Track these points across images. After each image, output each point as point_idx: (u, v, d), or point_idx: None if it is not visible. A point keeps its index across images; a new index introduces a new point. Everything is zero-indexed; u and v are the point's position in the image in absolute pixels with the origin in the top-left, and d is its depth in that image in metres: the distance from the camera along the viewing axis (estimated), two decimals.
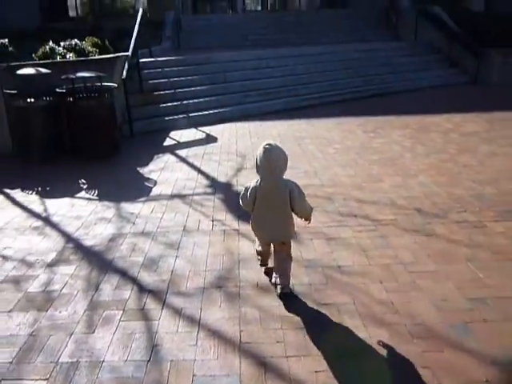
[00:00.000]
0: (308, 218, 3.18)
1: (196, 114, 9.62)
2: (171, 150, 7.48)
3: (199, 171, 6.22)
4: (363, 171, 5.99)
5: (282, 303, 3.13)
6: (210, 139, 8.18)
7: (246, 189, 3.12)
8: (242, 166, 6.37)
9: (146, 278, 3.51)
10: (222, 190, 5.45)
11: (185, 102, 9.88)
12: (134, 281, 3.47)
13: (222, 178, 5.88)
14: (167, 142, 8.10)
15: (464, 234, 4.12)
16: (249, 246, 3.95)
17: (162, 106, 9.57)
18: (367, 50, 13.89)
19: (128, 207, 4.97)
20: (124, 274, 3.58)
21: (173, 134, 8.72)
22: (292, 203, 3.02)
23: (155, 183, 5.77)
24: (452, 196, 5.04)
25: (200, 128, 9.11)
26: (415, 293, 3.23)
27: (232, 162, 6.58)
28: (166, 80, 10.26)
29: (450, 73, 14.50)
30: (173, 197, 5.24)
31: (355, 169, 6.11)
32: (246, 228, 4.24)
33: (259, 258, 3.52)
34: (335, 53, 13.28)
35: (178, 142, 8.13)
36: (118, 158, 7.06)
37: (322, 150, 7.02)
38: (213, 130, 8.94)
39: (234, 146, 7.55)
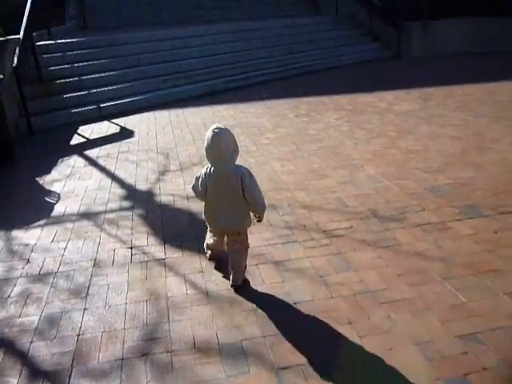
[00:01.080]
0: (260, 214, 2.98)
1: (108, 103, 8.45)
2: (79, 150, 6.36)
3: (113, 177, 5.22)
4: (304, 165, 5.30)
5: (228, 373, 2.35)
6: (125, 134, 7.11)
7: (197, 178, 2.96)
8: (165, 168, 5.44)
9: (42, 350, 2.57)
10: (141, 201, 4.53)
11: (94, 90, 8.66)
12: (23, 358, 2.52)
13: (141, 185, 4.93)
14: (74, 140, 6.93)
15: (430, 240, 3.55)
16: (179, 283, 3.11)
17: (66, 96, 8.29)
18: (291, 26, 13.21)
19: (21, 236, 3.92)
20: (9, 346, 2.62)
21: (82, 129, 7.54)
22: (243, 189, 2.82)
23: (58, 198, 4.71)
24: (405, 191, 4.48)
25: (113, 120, 8.00)
26: (394, 335, 2.58)
27: (153, 163, 5.62)
28: (70, 65, 8.96)
29: (373, 47, 14.22)
30: (81, 216, 4.24)
31: (294, 162, 5.41)
32: (174, 255, 3.40)
33: (208, 252, 3.34)
34: (260, 29, 12.46)
35: (88, 139, 6.99)
36: (11, 164, 5.84)
37: (254, 141, 6.24)
38: (128, 121, 7.86)
39: (154, 141, 6.57)
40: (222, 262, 3.27)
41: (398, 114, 7.47)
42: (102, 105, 8.36)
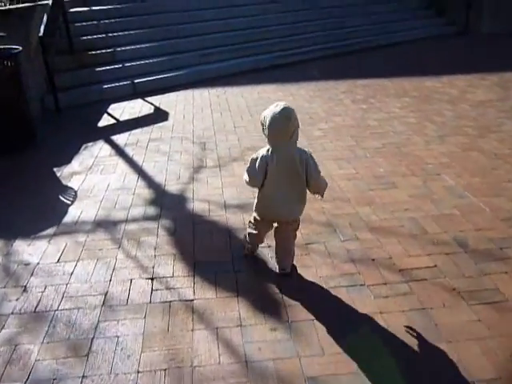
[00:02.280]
0: (321, 192, 2.77)
1: (143, 79, 7.68)
2: (106, 134, 5.63)
3: (140, 172, 4.46)
4: (366, 168, 4.39)
5: None
6: (158, 116, 6.34)
7: (253, 160, 2.65)
8: (200, 163, 4.64)
9: None
10: (170, 208, 3.76)
11: (128, 63, 7.89)
12: None
13: (171, 186, 4.16)
14: (103, 122, 6.21)
15: None
16: (209, 343, 2.34)
17: (98, 69, 7.56)
18: None
19: (23, 250, 3.23)
20: None
21: (112, 107, 6.82)
22: (308, 176, 2.63)
23: (74, 197, 4.00)
24: (499, 213, 3.53)
25: (148, 98, 7.24)
26: None
27: (187, 156, 4.83)
28: (104, 35, 8.20)
29: (437, 22, 12.80)
30: (96, 226, 3.51)
31: (354, 164, 4.50)
32: (205, 295, 2.63)
33: (248, 245, 3.00)
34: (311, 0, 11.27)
35: (118, 120, 6.26)
36: (32, 148, 5.18)
37: (305, 133, 5.34)
38: (164, 100, 7.08)
39: (190, 127, 5.77)
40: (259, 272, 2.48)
41: (472, 105, 6.37)
42: (136, 80, 7.59)
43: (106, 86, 7.31)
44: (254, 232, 2.89)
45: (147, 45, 8.36)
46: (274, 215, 2.76)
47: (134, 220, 3.57)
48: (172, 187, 4.13)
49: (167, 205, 3.81)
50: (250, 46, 9.25)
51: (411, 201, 3.74)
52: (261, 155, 2.60)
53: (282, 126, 2.49)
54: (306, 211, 3.54)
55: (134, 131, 5.69)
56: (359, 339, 2.36)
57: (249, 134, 5.41)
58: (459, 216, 3.50)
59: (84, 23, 8.22)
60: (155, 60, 8.14)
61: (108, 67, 7.65)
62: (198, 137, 5.40)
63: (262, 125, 2.61)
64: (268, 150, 2.59)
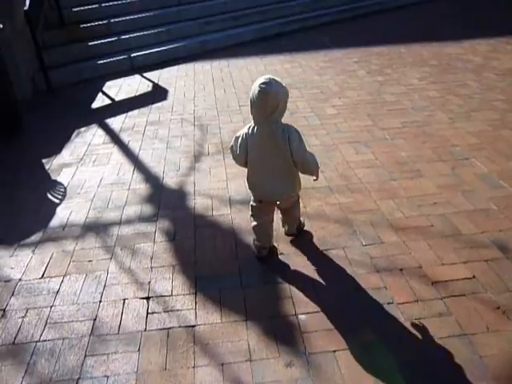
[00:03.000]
0: (314, 173, 2.54)
1: (140, 53, 7.16)
2: (100, 117, 5.20)
3: (136, 163, 4.05)
4: (387, 153, 3.94)
5: None
6: (157, 94, 5.87)
7: (236, 138, 2.53)
8: (202, 149, 4.21)
9: None
10: (169, 207, 3.36)
11: (124, 36, 7.35)
12: None
13: (170, 178, 3.76)
14: (97, 102, 5.76)
15: None
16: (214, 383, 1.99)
17: (91, 43, 7.04)
18: None
19: (4, 263, 2.87)
20: None
21: (108, 85, 6.35)
22: (291, 153, 2.40)
23: (63, 195, 3.62)
24: None
25: (146, 74, 6.75)
26: None
27: (187, 141, 4.40)
28: (97, 6, 7.62)
29: None
30: (87, 230, 3.14)
31: (373, 148, 4.05)
32: (209, 319, 2.26)
33: (256, 242, 2.75)
34: None
35: (113, 100, 5.80)
36: (16, 139, 4.77)
37: (317, 111, 4.87)
38: (163, 76, 6.59)
39: (191, 107, 5.31)
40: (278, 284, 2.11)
41: (499, 74, 5.81)
42: (133, 54, 7.08)
43: (100, 62, 6.81)
44: (256, 223, 2.68)
45: (144, 14, 7.78)
46: (263, 193, 2.59)
47: (129, 222, 3.19)
48: (171, 180, 3.72)
49: (166, 202, 3.42)
50: (254, 12, 8.62)
51: (440, 193, 3.31)
52: (243, 132, 2.48)
53: (260, 102, 2.30)
54: (320, 207, 3.17)
55: (130, 113, 5.25)
56: (390, 376, 1.99)
57: None
58: (496, 211, 3.07)
59: None
60: (153, 31, 7.58)
61: (102, 41, 7.13)
62: (200, 118, 4.95)
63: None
64: (249, 127, 2.46)
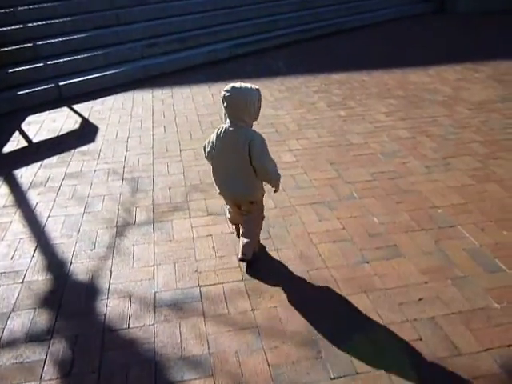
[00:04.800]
0: (274, 184, 2.60)
1: (71, 80, 6.26)
2: (10, 166, 4.26)
3: (40, 238, 3.15)
4: (356, 219, 3.21)
5: None
6: (84, 133, 4.98)
7: (209, 139, 2.62)
8: (128, 215, 3.36)
9: None
10: (70, 315, 2.48)
11: (53, 61, 6.43)
12: None
13: (80, 264, 2.88)
14: (10, 145, 4.81)
15: None
16: None
17: (12, 70, 6.08)
18: None
19: None
20: None
21: (29, 120, 5.41)
22: (251, 159, 2.45)
23: None
24: None
25: (76, 105, 5.85)
26: None
27: (111, 203, 3.54)
28: (22, 26, 6.66)
29: (413, 0, 11.59)
30: None
31: (339, 211, 3.31)
32: None
33: (233, 227, 2.96)
34: None
35: (30, 142, 4.86)
36: None
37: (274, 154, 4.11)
38: (95, 108, 5.71)
39: (123, 151, 4.46)
40: None
41: (472, 108, 5.25)
42: (62, 82, 6.16)
43: (21, 92, 5.85)
44: (229, 211, 2.85)
45: (77, 35, 6.88)
46: (226, 193, 2.66)
47: (11, 343, 2.30)
48: (81, 266, 2.84)
49: (68, 305, 2.54)
50: (203, 33, 7.86)
51: (425, 282, 2.60)
52: (215, 132, 2.56)
53: (227, 105, 2.43)
54: (273, 310, 2.39)
55: (47, 160, 4.34)
56: None
57: (198, 161, 4.15)
58: (499, 312, 2.38)
59: None
60: (87, 54, 6.70)
61: (26, 66, 6.18)
62: (131, 168, 4.09)
63: None
64: (219, 128, 2.54)
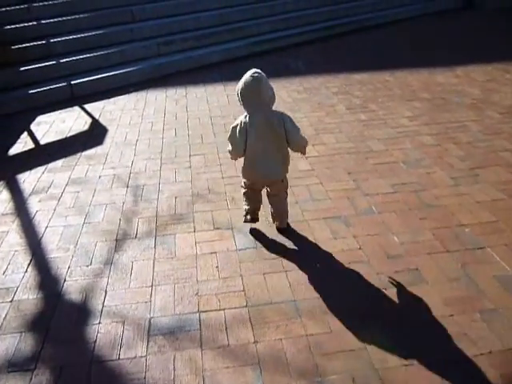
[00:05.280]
0: (304, 151, 2.85)
1: (83, 79, 6.10)
2: (13, 170, 4.11)
3: (36, 251, 2.97)
4: (374, 238, 2.94)
5: None
6: (93, 135, 4.81)
7: (234, 128, 2.72)
8: (129, 227, 3.16)
9: None
10: (58, 340, 2.29)
11: (66, 59, 6.29)
12: None
13: (74, 281, 2.68)
14: (17, 146, 4.66)
15: None
16: None
17: (24, 68, 5.95)
18: None
19: None
20: None
21: (39, 120, 5.28)
22: (287, 136, 2.70)
23: None
24: None
25: (88, 105, 5.69)
26: None
27: (113, 211, 3.34)
28: (36, 23, 6.55)
29: None
30: None
31: (356, 228, 3.04)
32: None
33: (247, 217, 2.99)
34: None
35: (38, 143, 4.71)
36: None
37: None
38: (107, 108, 5.55)
39: (131, 154, 4.27)
40: None
41: (503, 112, 4.90)
42: (75, 81, 6.01)
43: (33, 91, 5.72)
44: (248, 207, 2.97)
45: (91, 33, 6.72)
46: (260, 177, 2.82)
47: None
48: (74, 285, 2.65)
49: (57, 329, 2.35)
50: (220, 31, 7.63)
51: (450, 315, 2.32)
52: (240, 121, 2.67)
53: (255, 89, 2.56)
54: (278, 343, 2.15)
55: (52, 164, 4.17)
56: None
57: (208, 168, 3.92)
58: None
59: (10, 8, 6.53)
60: (101, 52, 6.53)
61: (39, 65, 6.05)
62: (137, 175, 3.89)
63: (238, 96, 2.68)
64: (246, 116, 2.65)
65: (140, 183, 3.74)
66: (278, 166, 2.79)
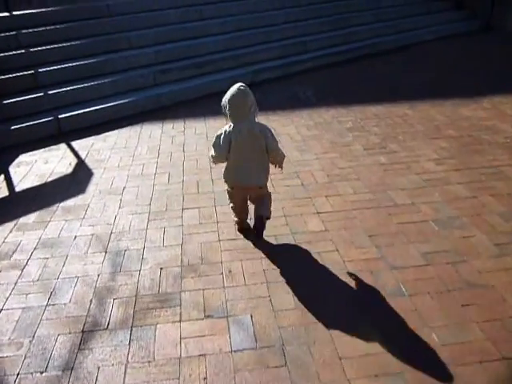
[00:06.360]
0: (281, 165, 3.07)
1: (71, 112, 5.57)
2: None
3: None
4: (408, 335, 2.31)
5: None
6: (76, 181, 4.24)
7: (218, 136, 2.93)
8: (100, 311, 2.55)
9: None
10: None
11: (54, 90, 5.76)
12: None
13: None
14: None
15: None
16: None
17: (7, 101, 5.44)
18: None
19: None
20: None
21: (19, 160, 4.76)
22: (267, 148, 2.90)
23: None
24: None
25: (75, 142, 5.15)
26: None
27: (84, 288, 2.75)
28: (23, 51, 6.05)
29: (457, 17, 10.59)
30: None
31: (381, 319, 2.42)
32: None
33: (235, 218, 3.26)
34: None
35: (13, 190, 4.15)
36: None
37: (294, 224, 3.27)
38: (96, 146, 5.01)
39: (114, 208, 3.68)
40: None
41: None
42: (62, 115, 5.47)
43: (15, 127, 5.19)
44: (233, 205, 3.18)
45: (84, 62, 6.21)
46: (241, 183, 3.00)
47: None
48: None
49: None
50: (223, 57, 7.10)
51: None
52: (224, 131, 2.87)
53: (241, 100, 2.76)
54: None
55: (24, 218, 3.60)
56: None
57: (203, 226, 3.33)
58: None
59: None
60: (93, 83, 6.01)
61: (24, 97, 5.52)
62: (119, 235, 3.30)
63: (223, 108, 2.84)
64: (230, 126, 2.84)
65: (121, 247, 3.15)
66: (259, 172, 2.97)
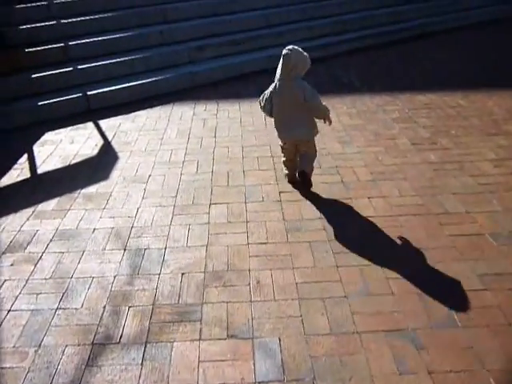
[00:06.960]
0: (326, 118, 3.21)
1: (101, 89, 5.34)
2: None
3: None
4: (459, 378, 1.97)
5: None
6: (100, 165, 4.01)
7: (264, 94, 3.26)
8: (114, 320, 2.32)
9: None
10: None
11: (84, 65, 5.53)
12: None
13: None
14: (10, 175, 3.92)
15: None
16: None
17: (36, 75, 5.23)
18: None
19: None
20: None
21: (44, 139, 4.56)
22: (305, 99, 3.06)
23: None
24: None
25: (103, 121, 4.93)
26: None
27: (98, 291, 2.51)
28: (54, 22, 5.82)
29: None
30: None
31: (442, 374, 2.08)
32: None
33: (285, 170, 3.52)
34: None
35: (35, 173, 3.95)
36: None
37: (333, 233, 2.93)
38: (123, 127, 4.78)
39: (137, 199, 3.43)
40: None
41: None
42: (90, 92, 5.24)
43: (43, 103, 4.99)
44: (285, 158, 3.46)
45: (116, 36, 5.95)
46: (286, 136, 3.30)
47: None
48: None
49: None
50: (262, 35, 6.70)
51: None
52: (269, 90, 3.22)
53: (282, 63, 3.07)
54: None
55: (42, 205, 3.39)
56: None
57: (231, 226, 3.04)
58: None
59: (26, 5, 5.84)
60: (125, 58, 5.74)
61: (52, 71, 5.31)
62: (140, 230, 3.06)
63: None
64: (274, 85, 3.18)
65: (142, 245, 2.90)
66: (302, 128, 3.19)
